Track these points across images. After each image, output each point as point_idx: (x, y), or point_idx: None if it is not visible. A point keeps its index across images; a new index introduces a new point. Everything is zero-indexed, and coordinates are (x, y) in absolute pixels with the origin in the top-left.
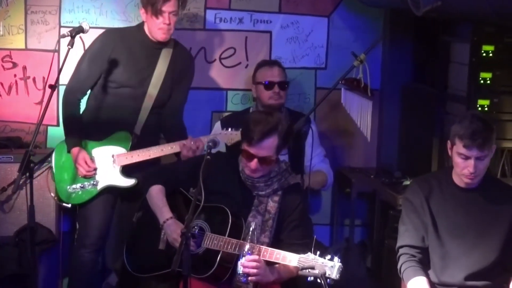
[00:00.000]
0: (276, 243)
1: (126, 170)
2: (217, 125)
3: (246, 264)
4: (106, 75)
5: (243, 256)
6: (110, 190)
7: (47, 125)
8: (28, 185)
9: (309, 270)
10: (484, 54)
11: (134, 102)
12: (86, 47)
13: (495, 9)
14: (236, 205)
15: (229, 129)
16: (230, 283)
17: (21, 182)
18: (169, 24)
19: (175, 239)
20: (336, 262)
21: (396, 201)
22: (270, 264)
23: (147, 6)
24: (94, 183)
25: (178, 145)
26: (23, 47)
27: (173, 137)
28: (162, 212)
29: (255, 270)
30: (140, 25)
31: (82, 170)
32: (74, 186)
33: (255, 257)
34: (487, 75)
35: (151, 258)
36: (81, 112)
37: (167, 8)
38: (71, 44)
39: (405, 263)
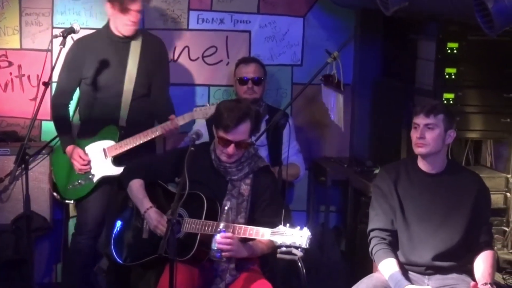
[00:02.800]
0: (251, 223)
1: (118, 160)
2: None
3: (220, 240)
4: (85, 80)
5: (218, 233)
6: (106, 181)
7: (41, 120)
8: (24, 176)
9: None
10: (449, 51)
11: (114, 99)
12: None
13: (459, 9)
14: (211, 191)
15: (205, 105)
16: (211, 264)
17: (17, 173)
18: (136, 21)
19: (157, 227)
20: (306, 232)
21: (367, 189)
22: (246, 240)
23: (115, 2)
24: (90, 177)
25: (159, 128)
26: (18, 47)
27: (164, 119)
28: (143, 203)
29: (228, 247)
30: (106, 25)
31: (78, 165)
32: (73, 183)
33: (229, 234)
34: (452, 71)
35: (136, 247)
36: (72, 114)
37: (134, 7)
38: (63, 43)
39: (376, 246)
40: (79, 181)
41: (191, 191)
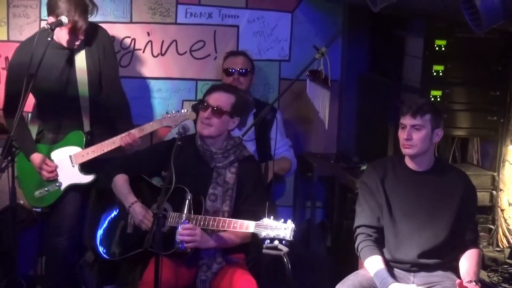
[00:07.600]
0: (235, 211)
1: (85, 167)
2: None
3: (181, 232)
4: (34, 88)
5: (180, 225)
6: (74, 189)
7: (27, 112)
8: (10, 168)
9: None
10: (436, 48)
11: (72, 104)
12: None
13: (446, 5)
14: (196, 181)
15: (179, 111)
16: (196, 258)
17: (3, 166)
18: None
19: (142, 221)
20: (290, 224)
21: (354, 185)
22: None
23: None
24: (58, 184)
25: (118, 139)
26: (6, 39)
27: (118, 115)
28: (127, 198)
29: (189, 237)
30: (46, 31)
31: (45, 173)
32: (40, 190)
33: (190, 226)
34: (440, 68)
35: (120, 241)
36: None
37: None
38: (50, 36)
39: (362, 243)
40: (46, 188)
41: (176, 185)
